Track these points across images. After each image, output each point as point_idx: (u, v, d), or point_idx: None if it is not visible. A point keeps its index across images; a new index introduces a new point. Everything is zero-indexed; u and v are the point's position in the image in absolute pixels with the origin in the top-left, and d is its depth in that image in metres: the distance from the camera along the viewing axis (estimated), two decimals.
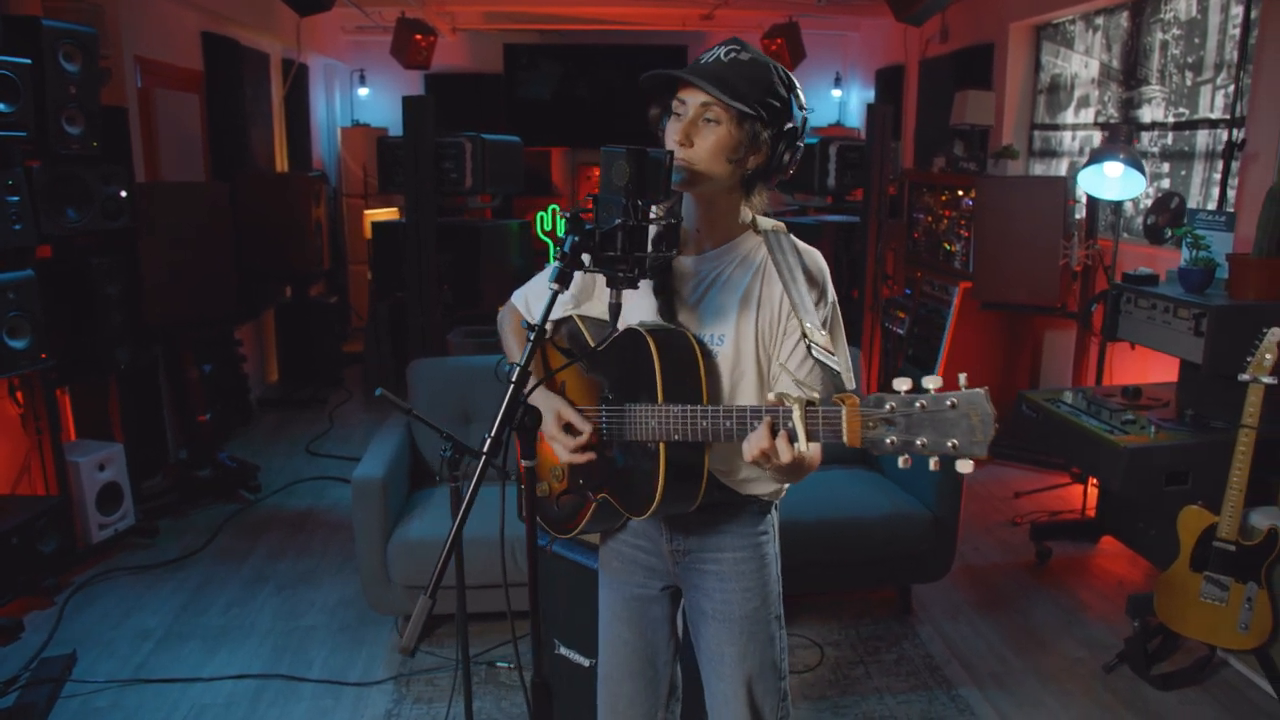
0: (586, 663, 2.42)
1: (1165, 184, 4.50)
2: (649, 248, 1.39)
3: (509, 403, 1.37)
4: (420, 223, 4.25)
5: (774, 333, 1.58)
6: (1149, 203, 4.46)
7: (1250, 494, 2.76)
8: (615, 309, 1.45)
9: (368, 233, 7.43)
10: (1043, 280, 4.59)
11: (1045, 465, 4.71)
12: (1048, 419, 3.43)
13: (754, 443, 1.36)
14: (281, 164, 6.68)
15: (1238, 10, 3.99)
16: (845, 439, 1.28)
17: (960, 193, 5.31)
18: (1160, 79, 4.57)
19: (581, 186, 8.85)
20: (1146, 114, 4.67)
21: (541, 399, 1.62)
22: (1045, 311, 4.86)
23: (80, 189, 3.47)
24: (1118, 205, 4.41)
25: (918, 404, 1.22)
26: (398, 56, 7.39)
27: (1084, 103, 5.25)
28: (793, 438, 1.33)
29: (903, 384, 1.24)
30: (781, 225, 1.64)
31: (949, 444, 1.20)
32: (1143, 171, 3.92)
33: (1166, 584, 2.91)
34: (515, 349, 1.80)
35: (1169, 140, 4.51)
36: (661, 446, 1.50)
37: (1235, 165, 3.90)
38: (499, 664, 3.04)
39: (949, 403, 1.21)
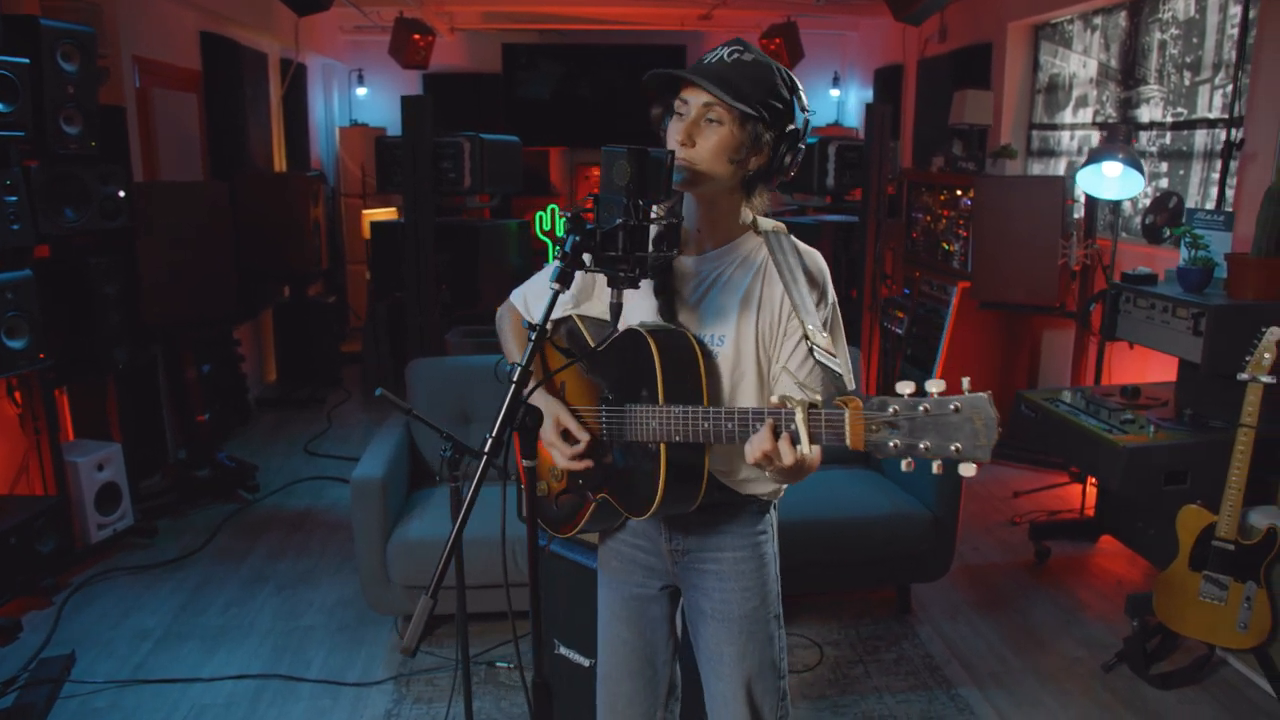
0: (586, 662, 2.42)
1: (1163, 184, 4.50)
2: (650, 247, 1.39)
3: (510, 403, 1.37)
4: (419, 222, 4.24)
5: (774, 333, 1.58)
6: (1147, 202, 4.47)
7: (1249, 493, 2.76)
8: (616, 309, 1.45)
9: (366, 232, 7.43)
10: (1041, 280, 4.60)
11: (1044, 465, 4.71)
12: (1046, 418, 3.43)
13: (756, 445, 1.36)
14: (280, 164, 6.67)
15: (1236, 10, 3.99)
16: (848, 442, 1.28)
17: (959, 192, 5.31)
18: (1158, 79, 4.58)
19: (580, 186, 8.85)
20: (1145, 114, 4.68)
21: (540, 401, 1.62)
22: (1044, 311, 4.86)
23: (78, 189, 3.46)
24: (1116, 205, 4.42)
25: (921, 408, 1.22)
26: (396, 56, 7.39)
27: (1082, 102, 5.25)
28: (795, 440, 1.33)
29: (906, 387, 1.24)
30: (782, 226, 1.64)
31: (952, 448, 1.20)
32: (1141, 171, 3.92)
33: (1165, 583, 2.91)
34: (514, 348, 1.80)
35: (1167, 140, 4.51)
36: (662, 447, 1.49)
37: (1234, 165, 3.90)
38: (499, 664, 3.04)
39: (952, 406, 1.21)
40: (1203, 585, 2.81)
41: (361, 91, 8.54)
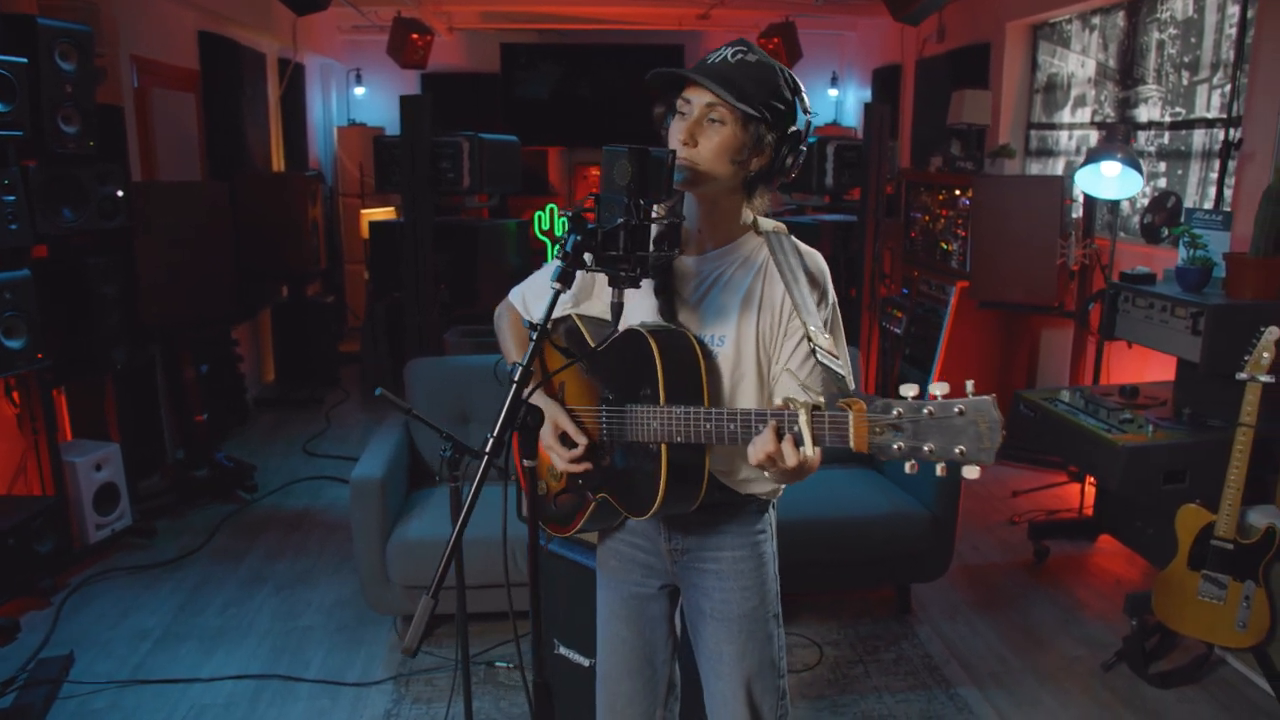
0: (586, 662, 2.42)
1: (1162, 183, 4.51)
2: (651, 247, 1.38)
3: (511, 403, 1.37)
4: (418, 222, 4.24)
5: (775, 334, 1.58)
6: (1145, 202, 4.47)
7: (1248, 492, 2.77)
8: (617, 308, 1.45)
9: (364, 232, 7.43)
10: (1040, 279, 4.60)
11: (1042, 464, 4.72)
12: (1045, 418, 3.43)
13: (759, 446, 1.36)
14: (278, 163, 6.67)
15: (1234, 10, 4.00)
16: (852, 444, 1.28)
17: (957, 192, 5.32)
18: (1157, 78, 4.58)
19: (578, 186, 8.85)
20: (1143, 113, 4.68)
21: (538, 403, 1.61)
22: (1042, 311, 4.87)
23: (76, 188, 3.46)
24: (1114, 204, 4.42)
25: (925, 410, 1.22)
26: (394, 56, 7.38)
27: (1080, 102, 5.25)
28: (798, 442, 1.33)
29: (910, 390, 1.24)
30: (783, 227, 1.64)
31: (956, 450, 1.21)
32: (1140, 171, 3.92)
33: (1164, 582, 2.91)
34: (513, 347, 1.80)
35: (1165, 140, 4.51)
36: (663, 448, 1.49)
37: (1232, 164, 3.90)
38: (498, 664, 3.04)
39: (957, 409, 1.21)
40: (1201, 584, 2.82)
41: (359, 91, 8.53)
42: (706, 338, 1.57)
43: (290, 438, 5.34)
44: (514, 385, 1.38)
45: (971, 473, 1.21)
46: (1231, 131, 3.91)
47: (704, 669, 1.77)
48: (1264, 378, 2.68)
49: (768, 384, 1.60)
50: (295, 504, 4.41)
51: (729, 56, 1.49)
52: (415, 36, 7.32)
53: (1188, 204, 4.23)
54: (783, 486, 1.72)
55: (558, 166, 8.89)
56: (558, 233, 7.72)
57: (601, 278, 1.65)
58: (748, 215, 1.61)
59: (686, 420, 1.45)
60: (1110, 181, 4.04)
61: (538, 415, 1.51)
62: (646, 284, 1.53)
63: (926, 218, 5.68)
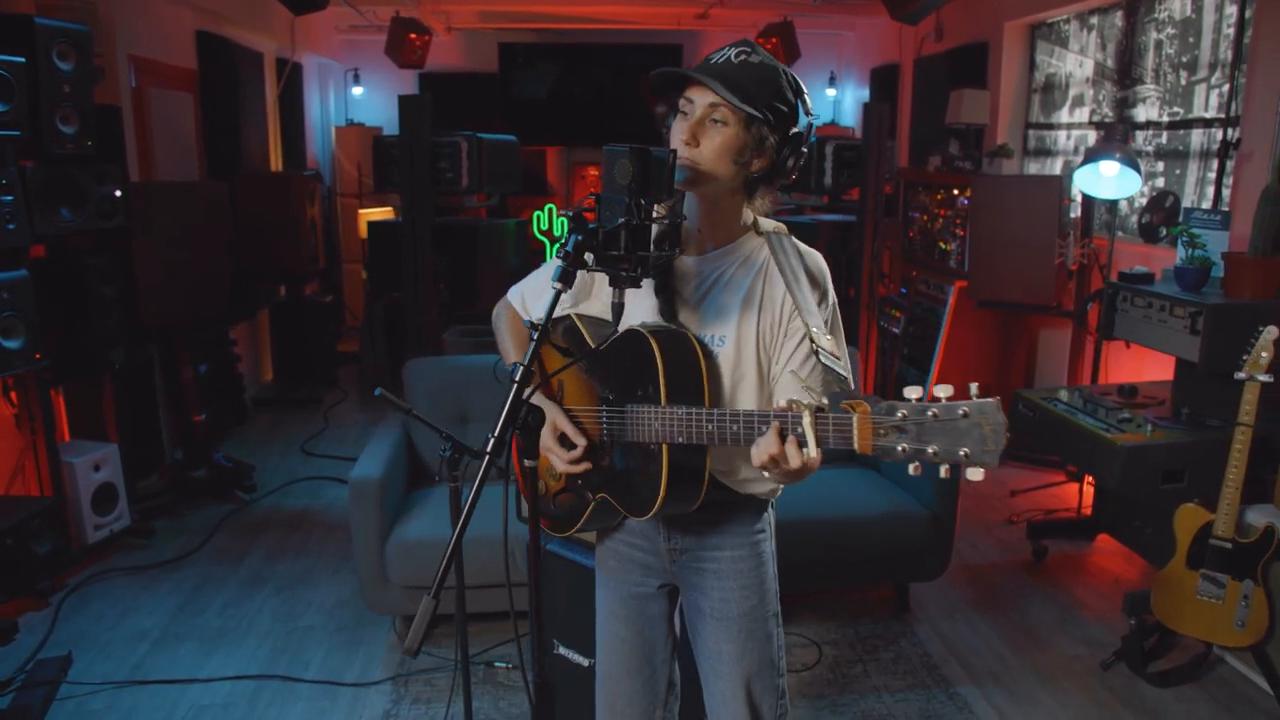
0: (585, 662, 2.42)
1: (1160, 183, 4.51)
2: (652, 247, 1.38)
3: (512, 403, 1.37)
4: (417, 222, 4.24)
5: (775, 334, 1.58)
6: (1144, 201, 4.48)
7: (1246, 492, 2.77)
8: (618, 308, 1.45)
9: (362, 232, 7.42)
10: (1038, 279, 4.60)
11: (1041, 463, 4.72)
12: (1044, 417, 3.44)
13: (763, 448, 1.36)
14: (276, 163, 6.66)
15: (1232, 9, 4.00)
16: (856, 446, 1.28)
17: (955, 191, 5.32)
18: (1155, 78, 4.59)
19: (577, 186, 8.85)
20: (1141, 113, 4.68)
21: (537, 404, 1.61)
22: (1040, 310, 4.87)
23: (74, 188, 3.45)
24: (1113, 204, 4.43)
25: (930, 413, 1.22)
26: (392, 56, 7.38)
27: (1078, 102, 5.26)
28: (802, 443, 1.33)
29: (913, 392, 1.24)
30: (783, 227, 1.64)
31: (961, 452, 1.21)
32: (1138, 170, 3.93)
33: (1163, 582, 2.92)
34: (511, 347, 1.80)
35: (1163, 139, 4.52)
36: (664, 448, 1.49)
37: (1230, 164, 3.91)
38: (497, 664, 3.04)
39: (961, 412, 1.21)
40: (1200, 584, 2.82)
41: (357, 91, 8.53)
42: (707, 338, 1.57)
43: (288, 438, 5.34)
44: (515, 385, 1.37)
45: (975, 474, 1.21)
46: (1230, 131, 3.91)
47: (703, 668, 1.77)
48: (1262, 377, 2.68)
49: (767, 384, 1.60)
50: (294, 504, 4.41)
51: (732, 57, 1.49)
52: (413, 36, 7.31)
53: (1186, 203, 4.23)
54: (781, 486, 1.72)
55: (556, 166, 8.88)
56: (556, 232, 7.73)
57: (600, 277, 1.65)
58: (748, 215, 1.61)
59: (688, 421, 1.45)
60: (1109, 181, 4.04)
61: (539, 415, 1.51)
62: (647, 284, 1.53)
63: (925, 217, 5.69)
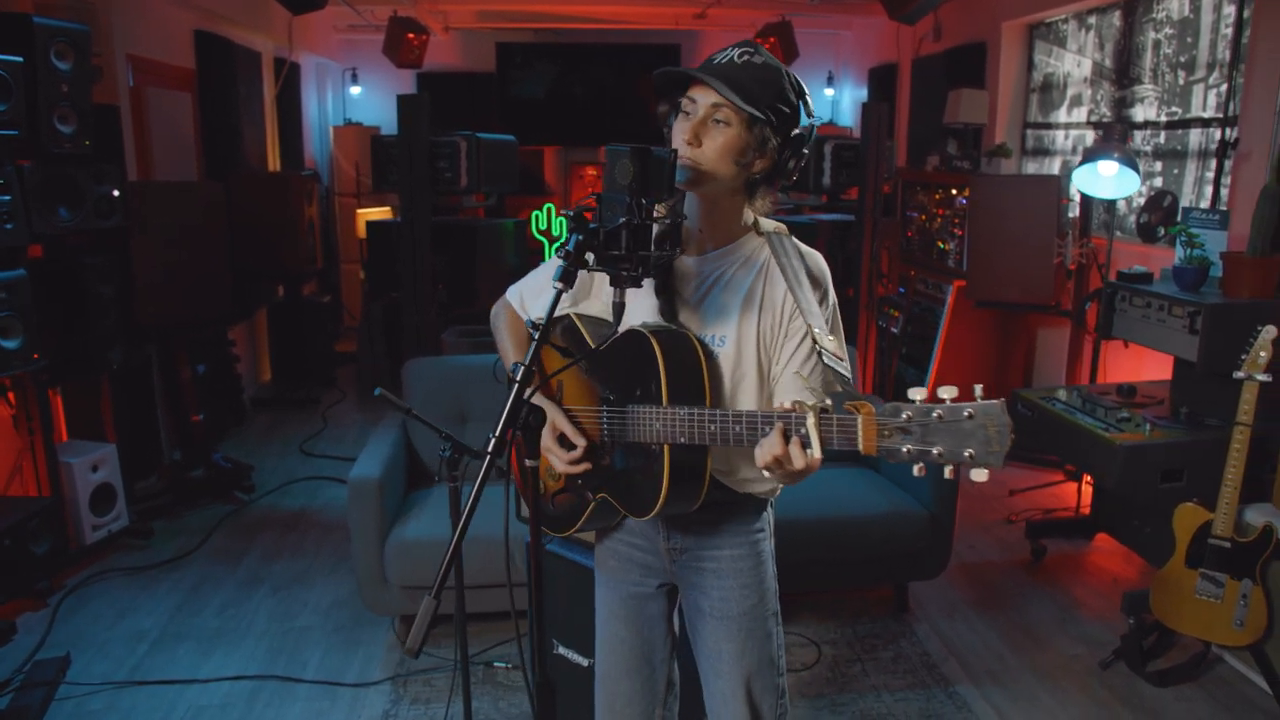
0: (585, 662, 2.42)
1: (1158, 183, 4.52)
2: (652, 247, 1.38)
3: (513, 403, 1.36)
4: (415, 222, 4.23)
5: (776, 334, 1.58)
6: (1142, 201, 4.48)
7: (1245, 491, 2.77)
8: (619, 308, 1.44)
9: (360, 232, 7.41)
10: (1036, 278, 4.61)
11: (1039, 463, 4.72)
12: (1042, 417, 3.44)
13: (767, 449, 1.35)
14: (274, 163, 6.65)
15: (1230, 9, 4.01)
16: (860, 447, 1.28)
17: (954, 191, 5.32)
18: (1153, 78, 4.59)
19: (574, 185, 8.84)
20: (1139, 113, 4.69)
21: (538, 404, 1.61)
22: (1039, 310, 4.87)
23: (72, 188, 3.44)
24: (1111, 204, 4.43)
25: (935, 414, 1.22)
26: (390, 55, 7.37)
27: (1076, 101, 5.26)
28: (806, 444, 1.33)
29: (918, 393, 1.24)
30: (783, 227, 1.64)
31: (966, 453, 1.21)
32: (1137, 170, 3.93)
33: (1162, 581, 2.92)
34: (510, 346, 1.79)
35: (1161, 139, 4.52)
36: (666, 448, 1.49)
37: (1228, 164, 3.91)
38: (496, 664, 3.04)
39: (966, 413, 1.21)
40: (1199, 583, 2.82)
41: (355, 90, 8.52)
42: (707, 338, 1.57)
43: (287, 438, 5.33)
44: (516, 385, 1.37)
45: (980, 475, 1.21)
46: (1228, 131, 3.92)
47: (703, 668, 1.77)
48: (1261, 376, 2.69)
49: (768, 384, 1.60)
50: (292, 504, 4.40)
51: (735, 57, 1.49)
52: (411, 36, 7.31)
53: (1184, 203, 4.24)
54: (781, 485, 1.72)
55: (554, 166, 8.88)
56: (555, 232, 7.72)
57: (599, 277, 1.65)
58: (749, 216, 1.61)
59: (690, 421, 1.45)
60: (1107, 181, 4.05)
61: (540, 415, 1.51)
62: (647, 284, 1.53)
63: (923, 217, 5.69)
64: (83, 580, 3.60)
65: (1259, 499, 2.95)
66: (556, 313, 1.68)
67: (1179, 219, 3.81)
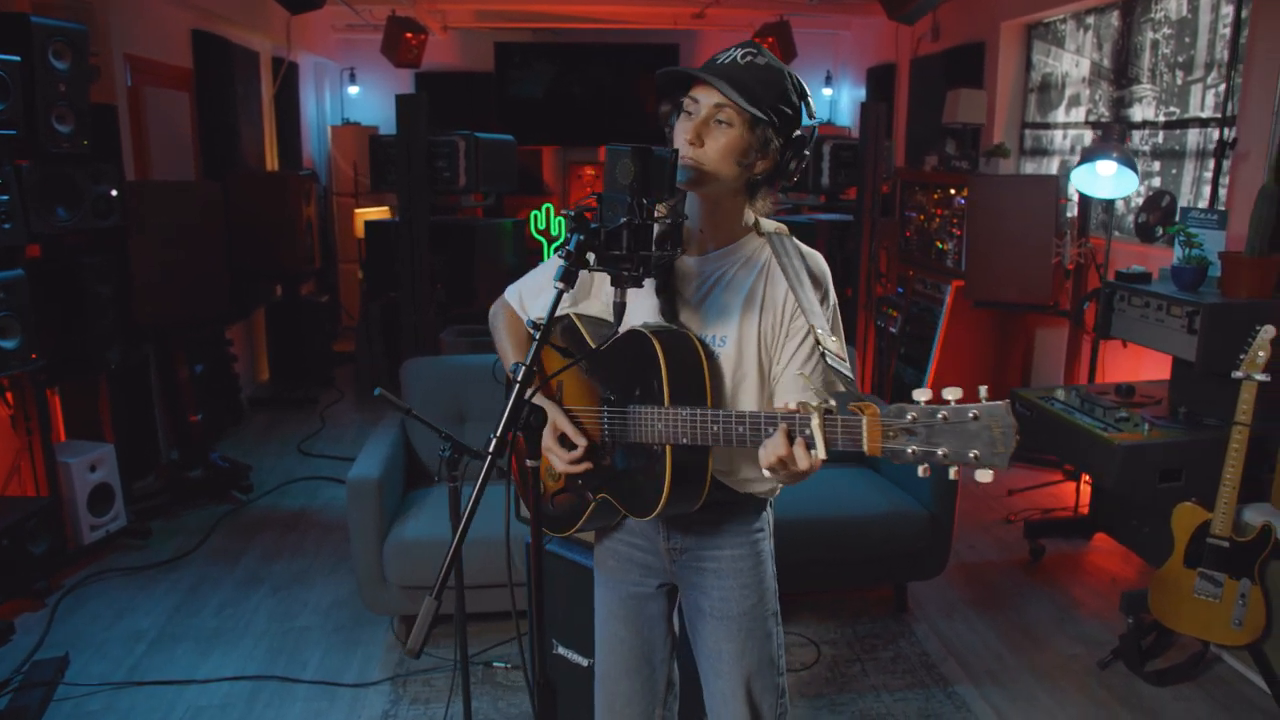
0: (584, 662, 2.42)
1: (1156, 183, 4.52)
2: (653, 247, 1.38)
3: (514, 403, 1.36)
4: (414, 221, 4.23)
5: (777, 334, 1.58)
6: (1140, 201, 4.49)
7: (1243, 491, 2.78)
8: (620, 308, 1.44)
9: (358, 231, 7.41)
10: (1035, 278, 4.61)
11: (1038, 463, 4.72)
12: (1041, 417, 3.44)
13: (771, 450, 1.35)
14: (272, 163, 6.65)
15: (1228, 9, 4.01)
16: (865, 448, 1.28)
17: (952, 191, 5.33)
18: (1151, 78, 4.60)
19: (573, 185, 8.84)
20: (1137, 113, 4.70)
21: (538, 404, 1.61)
22: (1037, 309, 4.88)
23: (70, 187, 3.44)
24: (1109, 204, 4.43)
25: (940, 415, 1.22)
26: (388, 55, 7.37)
27: (1075, 101, 5.27)
28: (810, 445, 1.33)
29: (923, 395, 1.24)
30: (784, 228, 1.64)
31: (971, 454, 1.21)
32: (1135, 170, 3.94)
33: (1161, 581, 2.92)
34: (509, 347, 1.79)
35: (1160, 139, 4.53)
36: (668, 449, 1.49)
37: (1226, 164, 3.92)
38: (496, 664, 3.03)
39: (972, 414, 1.21)
40: (1198, 582, 2.82)
41: (353, 90, 8.51)
42: (708, 338, 1.57)
43: (285, 438, 5.33)
44: (517, 385, 1.37)
45: (985, 476, 1.22)
46: (1226, 131, 3.92)
47: (703, 667, 1.77)
48: (1259, 376, 2.69)
49: (768, 384, 1.60)
50: (291, 504, 4.40)
51: (738, 58, 1.49)
52: (409, 35, 7.30)
53: (1182, 203, 4.24)
54: (780, 485, 1.72)
55: (552, 166, 8.87)
56: (553, 232, 7.72)
57: (599, 277, 1.65)
58: (749, 216, 1.61)
59: (693, 422, 1.45)
60: (1106, 180, 4.05)
61: (541, 415, 1.51)
62: (648, 284, 1.53)
63: (922, 217, 5.69)
64: (81, 580, 3.59)
65: (1257, 498, 2.95)
66: (556, 313, 1.69)
67: (1177, 219, 3.82)
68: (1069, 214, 4.70)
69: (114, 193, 3.62)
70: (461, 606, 2.21)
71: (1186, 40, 4.31)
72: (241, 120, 5.93)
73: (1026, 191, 4.67)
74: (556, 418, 1.60)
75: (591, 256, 1.37)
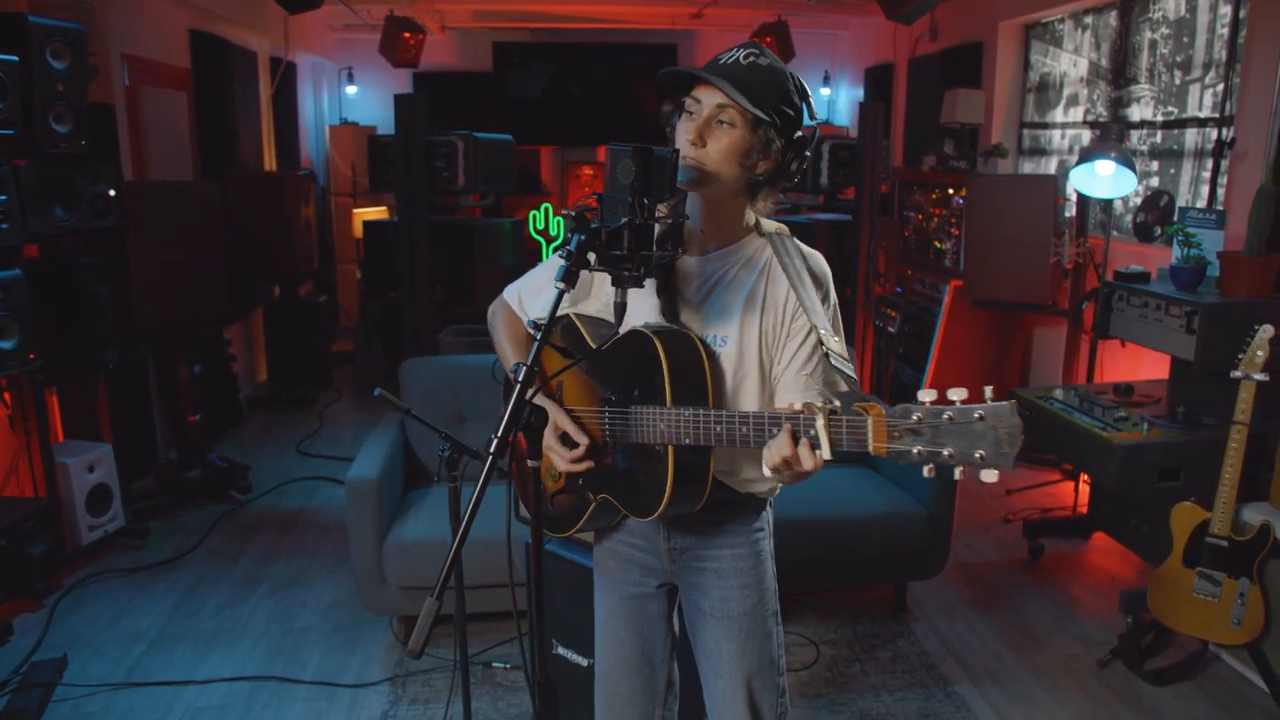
0: (584, 662, 2.42)
1: (1154, 182, 4.53)
2: (654, 247, 1.38)
3: (515, 403, 1.36)
4: (413, 221, 4.23)
5: (778, 334, 1.58)
6: (1138, 201, 4.49)
7: (1242, 490, 2.78)
8: (620, 308, 1.44)
9: (356, 232, 7.40)
10: (1033, 278, 4.61)
11: (1036, 462, 4.73)
12: (1039, 416, 3.44)
13: (776, 450, 1.35)
14: (270, 163, 6.64)
15: (1226, 9, 4.02)
16: (870, 449, 1.28)
17: (951, 191, 5.33)
18: (1149, 78, 4.60)
19: (571, 185, 8.84)
20: (1135, 113, 4.70)
21: (539, 404, 1.61)
22: (1036, 309, 4.88)
23: (68, 187, 3.43)
24: (1107, 203, 4.44)
25: (945, 415, 1.22)
26: (386, 55, 7.36)
27: (1073, 101, 5.27)
28: (815, 446, 1.33)
29: (927, 395, 1.24)
30: (785, 228, 1.64)
31: (977, 454, 1.21)
32: (1133, 170, 3.94)
33: (1160, 580, 2.92)
34: (509, 347, 1.79)
35: (1158, 139, 4.53)
36: (670, 449, 1.49)
37: (1225, 163, 3.92)
38: (495, 664, 3.03)
39: (977, 415, 1.21)
40: (1196, 582, 2.83)
41: (351, 90, 8.51)
42: (709, 338, 1.57)
43: (283, 438, 5.32)
44: (518, 385, 1.37)
45: (990, 476, 1.22)
46: (1224, 130, 3.93)
47: (704, 667, 1.77)
48: (1258, 376, 2.69)
49: (769, 384, 1.60)
50: (290, 504, 4.40)
51: (741, 58, 1.49)
52: (407, 35, 7.30)
53: (1180, 203, 4.25)
54: (780, 485, 1.72)
55: (550, 166, 8.87)
56: (552, 232, 7.72)
57: (599, 277, 1.65)
58: (750, 216, 1.61)
59: (696, 422, 1.45)
60: (1104, 180, 4.06)
61: (542, 416, 1.51)
62: (648, 284, 1.53)
63: (920, 217, 5.70)
64: (79, 581, 3.59)
65: (1256, 498, 2.96)
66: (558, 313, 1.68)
67: (1176, 218, 3.82)
68: (1067, 214, 4.70)
69: (112, 193, 3.61)
70: (461, 606, 2.21)
71: (1185, 40, 4.32)
72: (239, 120, 5.92)
73: (1025, 191, 4.68)
74: (558, 416, 1.59)
75: (592, 256, 1.37)
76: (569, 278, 1.35)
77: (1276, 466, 2.92)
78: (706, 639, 1.74)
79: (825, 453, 1.31)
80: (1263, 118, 3.58)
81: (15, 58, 3.10)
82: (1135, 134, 4.67)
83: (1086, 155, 4.06)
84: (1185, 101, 4.32)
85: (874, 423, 1.27)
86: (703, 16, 7.47)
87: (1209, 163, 4.05)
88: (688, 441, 1.46)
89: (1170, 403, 3.40)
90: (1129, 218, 4.63)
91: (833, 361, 1.47)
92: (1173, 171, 4.41)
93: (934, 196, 5.52)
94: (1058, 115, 5.41)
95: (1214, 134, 4.02)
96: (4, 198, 3.09)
